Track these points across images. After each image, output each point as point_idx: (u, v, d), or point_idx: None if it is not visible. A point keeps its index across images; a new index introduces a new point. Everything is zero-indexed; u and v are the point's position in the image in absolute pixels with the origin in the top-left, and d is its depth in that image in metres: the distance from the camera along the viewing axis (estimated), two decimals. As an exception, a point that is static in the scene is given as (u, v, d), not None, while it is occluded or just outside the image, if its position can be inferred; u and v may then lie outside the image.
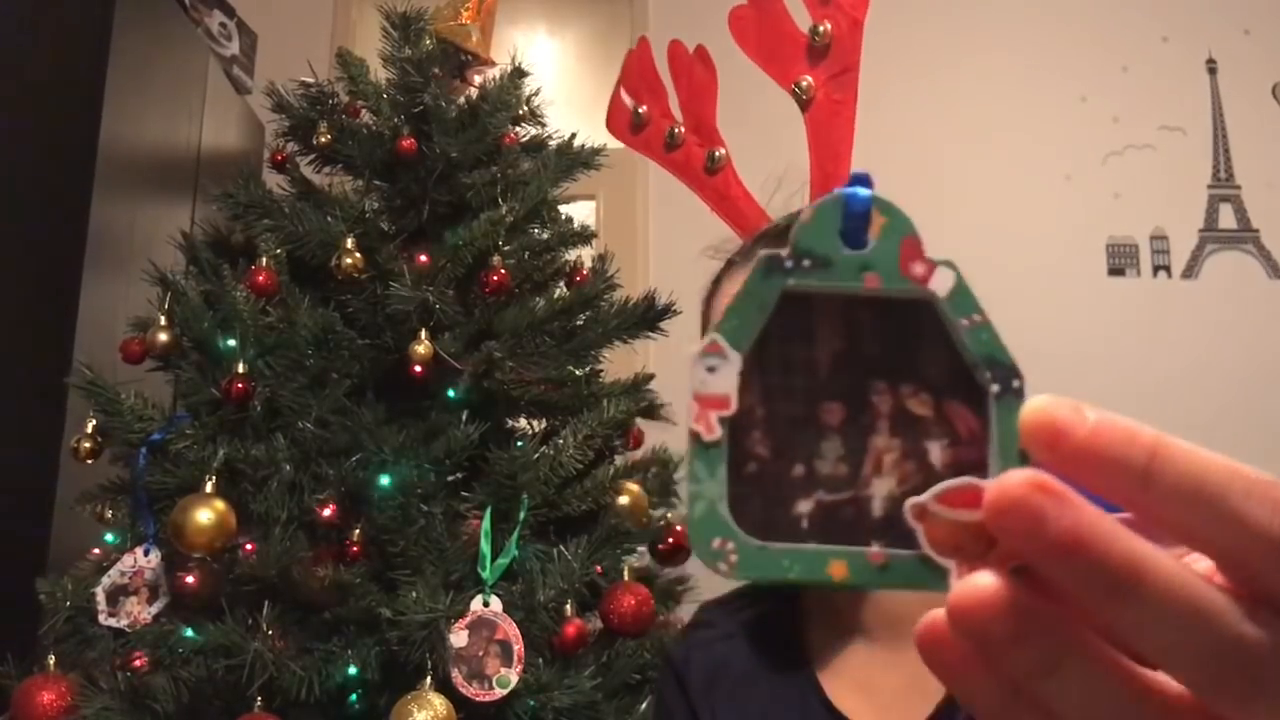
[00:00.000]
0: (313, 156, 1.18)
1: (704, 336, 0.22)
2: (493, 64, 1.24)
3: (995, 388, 0.21)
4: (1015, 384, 0.21)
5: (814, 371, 0.21)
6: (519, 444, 1.04)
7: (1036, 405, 0.19)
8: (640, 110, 0.74)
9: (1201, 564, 0.19)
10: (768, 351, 0.22)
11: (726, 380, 0.21)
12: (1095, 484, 0.18)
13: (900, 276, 0.22)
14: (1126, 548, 0.17)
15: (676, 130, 0.73)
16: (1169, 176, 2.50)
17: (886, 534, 0.20)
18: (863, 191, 0.22)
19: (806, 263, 0.22)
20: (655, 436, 1.21)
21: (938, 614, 0.19)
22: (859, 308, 0.22)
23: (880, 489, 0.21)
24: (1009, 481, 0.18)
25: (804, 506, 0.21)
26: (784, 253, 0.22)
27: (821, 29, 0.62)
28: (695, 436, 0.21)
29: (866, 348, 0.22)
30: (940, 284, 0.22)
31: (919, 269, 0.22)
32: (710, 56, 0.73)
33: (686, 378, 0.21)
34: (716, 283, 0.67)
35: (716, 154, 0.71)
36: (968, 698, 0.19)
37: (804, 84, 0.64)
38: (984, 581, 0.18)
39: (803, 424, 0.21)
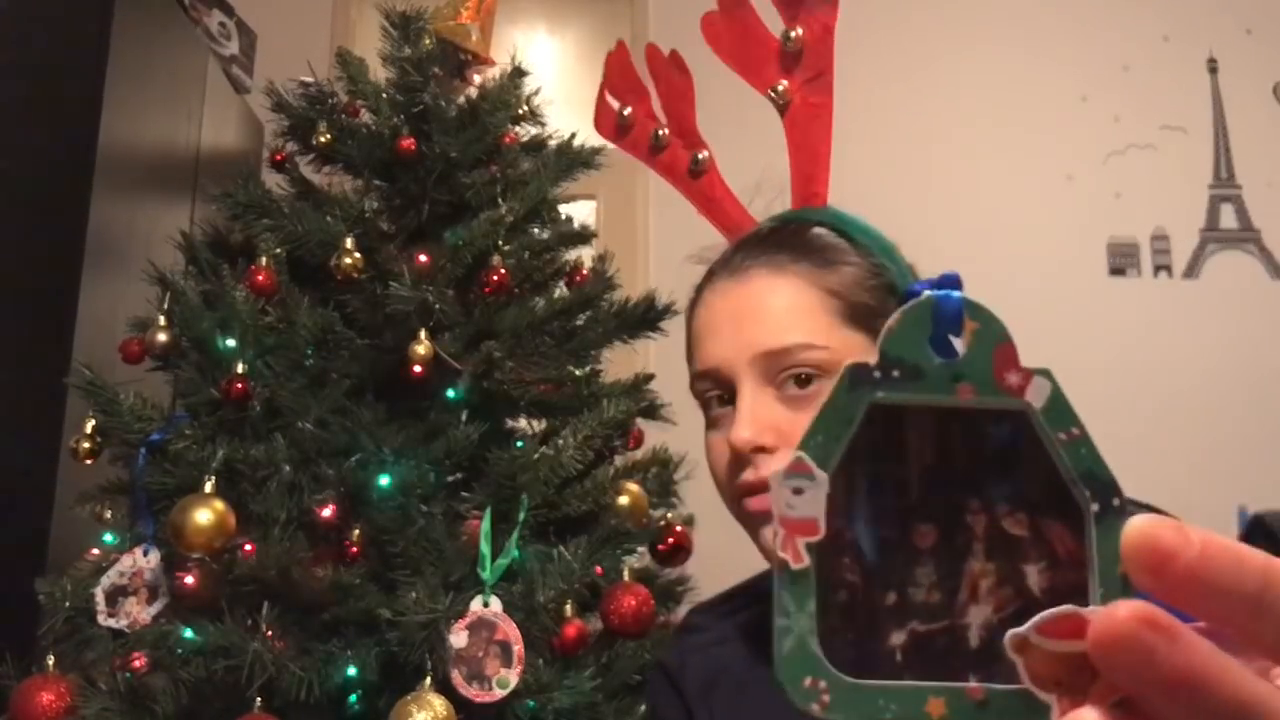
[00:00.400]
0: (312, 156, 1.18)
1: (789, 454, 0.21)
2: (492, 63, 1.23)
3: (1095, 506, 0.20)
4: (1115, 502, 0.20)
5: (905, 491, 0.21)
6: (519, 444, 1.04)
7: (1139, 527, 0.18)
8: (625, 112, 0.73)
9: None
10: (856, 470, 0.21)
11: (814, 503, 0.20)
12: (1204, 611, 0.18)
13: (995, 387, 0.21)
14: (1238, 686, 0.17)
15: (661, 133, 0.72)
16: (1170, 176, 2.50)
17: (984, 666, 0.20)
18: (955, 294, 0.21)
19: (896, 373, 0.21)
20: (655, 436, 1.21)
21: None
22: (951, 421, 0.21)
23: (976, 617, 0.20)
24: (1116, 615, 0.17)
25: (897, 638, 0.20)
26: (871, 362, 0.21)
27: (793, 34, 0.62)
28: (783, 565, 0.20)
29: (960, 464, 0.21)
30: (1037, 395, 0.21)
31: (1014, 378, 0.21)
32: (684, 60, 0.73)
33: (770, 500, 0.20)
34: (699, 294, 0.65)
35: (700, 156, 0.70)
36: None
37: (780, 88, 0.64)
38: (1089, 718, 0.17)
39: (895, 548, 0.20)
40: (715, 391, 0.61)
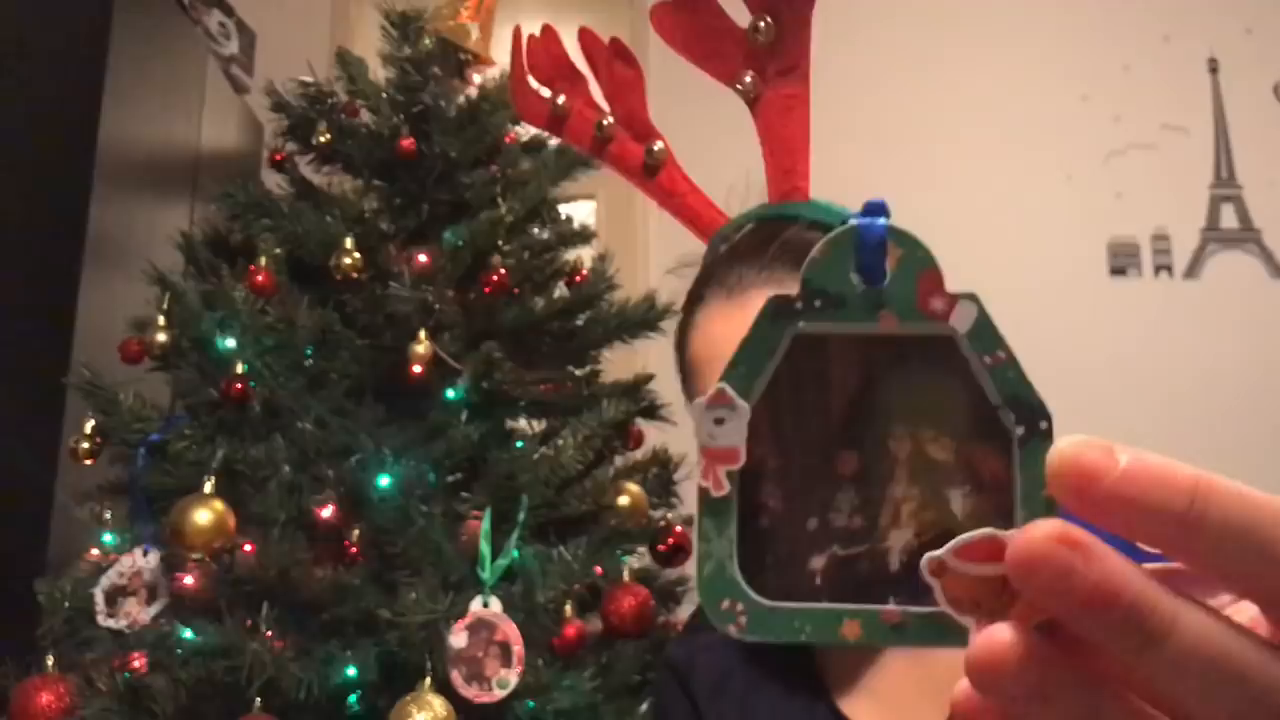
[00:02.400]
0: (312, 156, 1.18)
1: (710, 387, 0.21)
2: (492, 63, 1.23)
3: (1020, 430, 0.20)
4: (1042, 425, 0.20)
5: (828, 419, 0.20)
6: (519, 445, 1.04)
7: (1063, 448, 0.18)
8: (559, 100, 0.65)
9: (1245, 613, 0.19)
10: (778, 400, 0.21)
11: (735, 432, 0.20)
12: (1130, 530, 0.17)
13: (918, 313, 0.20)
14: (1156, 601, 0.17)
15: (605, 123, 0.64)
16: (1171, 176, 2.50)
17: (904, 590, 0.20)
18: (879, 222, 0.21)
19: (818, 303, 0.21)
20: (655, 436, 1.21)
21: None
22: (875, 348, 0.21)
23: (898, 541, 0.20)
24: (1032, 534, 0.17)
25: (817, 563, 0.20)
26: (794, 294, 0.21)
27: (762, 24, 0.55)
28: (703, 492, 0.20)
29: (883, 391, 0.20)
30: (961, 319, 0.20)
31: (938, 304, 0.20)
32: (629, 50, 0.65)
33: (692, 429, 0.20)
34: (691, 316, 0.61)
35: (655, 148, 0.63)
36: None
37: (747, 80, 0.57)
38: (1005, 637, 0.17)
39: (816, 475, 0.20)
40: None
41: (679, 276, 0.64)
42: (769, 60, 0.57)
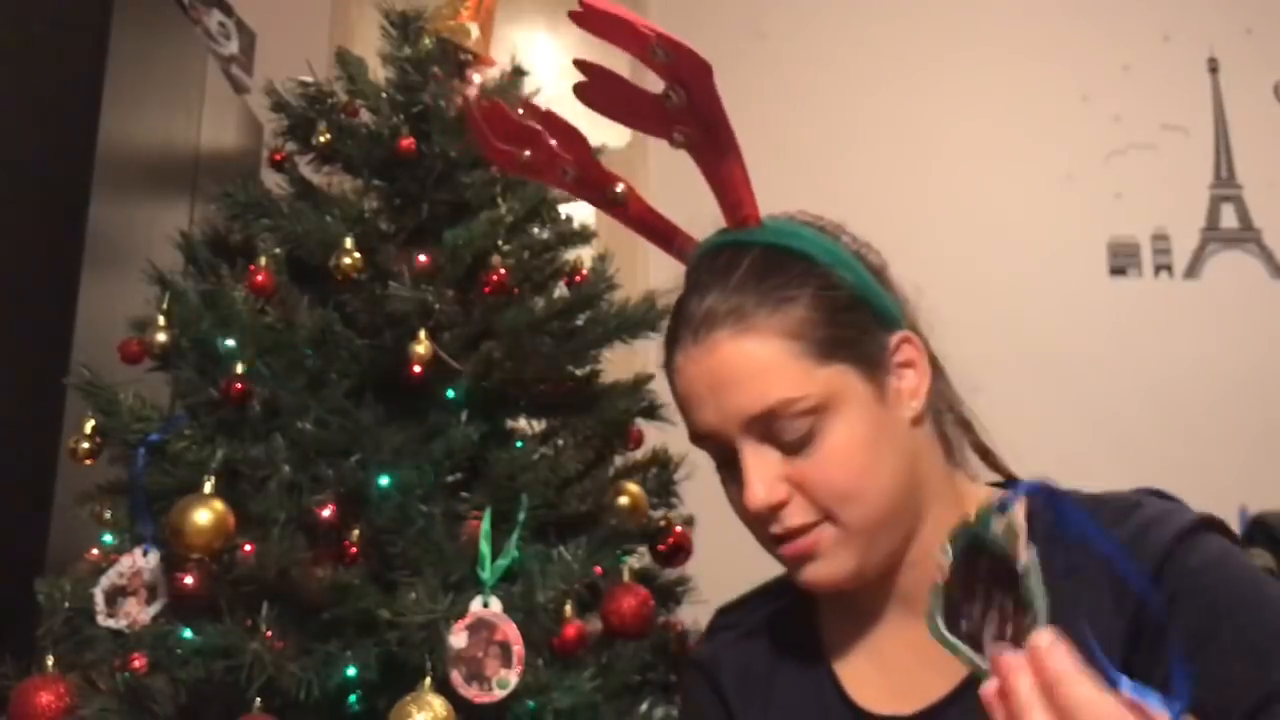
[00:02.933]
0: (311, 156, 1.18)
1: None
2: (492, 63, 1.23)
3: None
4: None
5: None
6: (519, 444, 1.04)
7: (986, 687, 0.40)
8: (525, 154, 0.72)
9: None
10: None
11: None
12: None
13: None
14: None
15: (569, 171, 0.72)
16: (1170, 176, 2.50)
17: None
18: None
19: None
20: (655, 436, 1.21)
21: None
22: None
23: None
24: (985, 687, 0.40)
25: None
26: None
27: (672, 94, 0.61)
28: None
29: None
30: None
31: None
32: (560, 118, 0.72)
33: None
34: (670, 357, 0.65)
35: (617, 189, 0.70)
36: None
37: (677, 137, 0.63)
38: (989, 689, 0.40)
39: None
40: (717, 448, 0.62)
41: (664, 306, 0.70)
42: (690, 118, 0.62)
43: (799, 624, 0.68)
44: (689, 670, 0.74)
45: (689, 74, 0.60)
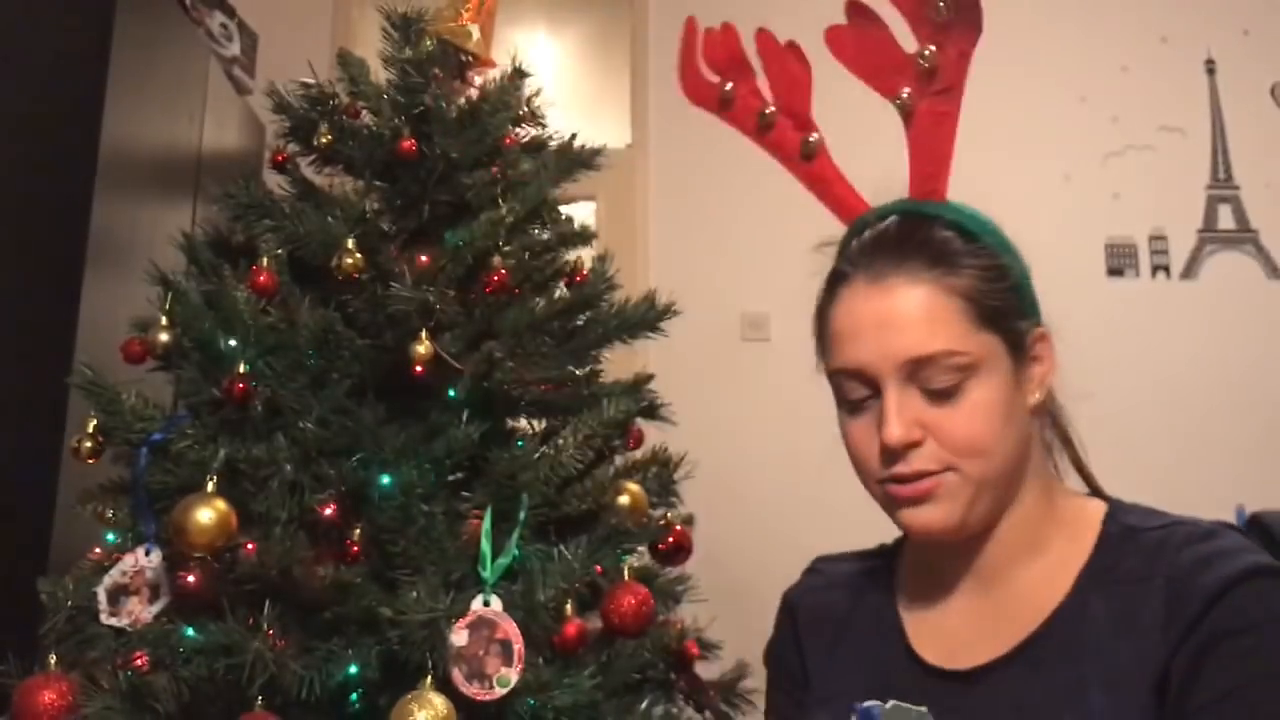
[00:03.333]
0: (313, 157, 1.18)
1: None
2: (493, 65, 1.24)
3: None
4: None
5: None
6: (519, 444, 1.04)
7: None
8: (728, 87, 0.75)
9: None
10: None
11: None
12: None
13: None
14: None
15: (768, 111, 0.73)
16: (1168, 177, 2.50)
17: None
18: None
19: None
20: (655, 436, 1.21)
21: None
22: None
23: None
24: None
25: None
26: None
27: (928, 52, 0.65)
28: None
29: None
30: None
31: None
32: (805, 54, 0.75)
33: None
34: (833, 291, 0.69)
35: (811, 139, 0.73)
36: None
37: (904, 95, 0.68)
38: None
39: None
40: (859, 385, 0.66)
41: (821, 253, 0.72)
42: (928, 81, 0.67)
43: (880, 584, 0.75)
44: (781, 606, 0.83)
45: (960, 31, 0.65)
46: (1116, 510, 0.67)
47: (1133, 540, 0.63)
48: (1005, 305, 0.66)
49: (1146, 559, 0.60)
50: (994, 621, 0.65)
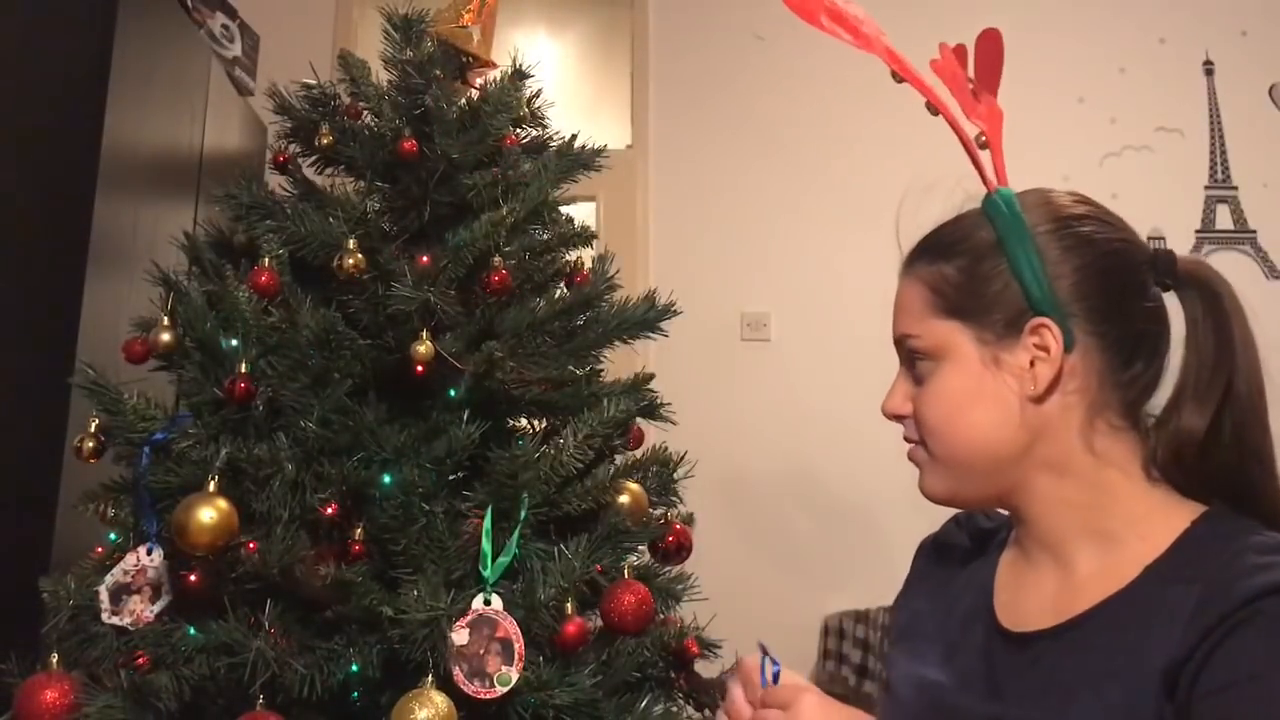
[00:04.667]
0: (315, 158, 1.18)
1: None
2: (494, 66, 1.24)
3: None
4: None
5: None
6: (520, 443, 1.05)
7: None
8: (980, 135, 0.85)
9: None
10: None
11: None
12: None
13: None
14: None
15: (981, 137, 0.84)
16: (1166, 177, 2.51)
17: None
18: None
19: None
20: (655, 435, 1.22)
21: None
22: None
23: None
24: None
25: None
26: None
27: (983, 139, 0.79)
28: None
29: None
30: None
31: None
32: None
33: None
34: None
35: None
36: None
37: (981, 137, 0.80)
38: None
39: None
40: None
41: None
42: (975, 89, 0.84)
43: (994, 545, 0.79)
44: (926, 539, 0.87)
45: (988, 102, 0.79)
46: (1217, 517, 0.64)
47: (1212, 545, 0.61)
48: (976, 298, 0.68)
49: (1208, 562, 0.59)
50: (1054, 596, 0.67)
